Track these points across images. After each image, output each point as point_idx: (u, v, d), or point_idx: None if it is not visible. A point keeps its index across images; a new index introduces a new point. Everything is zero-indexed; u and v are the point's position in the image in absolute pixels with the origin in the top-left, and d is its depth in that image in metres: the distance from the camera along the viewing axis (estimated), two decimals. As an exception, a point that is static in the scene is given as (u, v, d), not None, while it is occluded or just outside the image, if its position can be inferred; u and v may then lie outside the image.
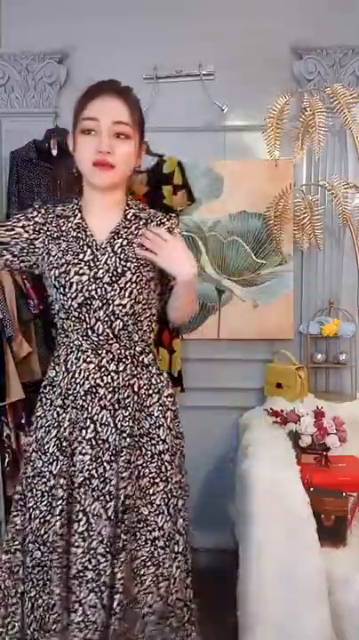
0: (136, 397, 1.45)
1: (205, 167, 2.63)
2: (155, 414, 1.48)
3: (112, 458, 1.42)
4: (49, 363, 1.55)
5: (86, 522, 1.40)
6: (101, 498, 1.41)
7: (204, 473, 2.70)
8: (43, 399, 1.51)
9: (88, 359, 1.44)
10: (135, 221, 1.50)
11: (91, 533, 1.40)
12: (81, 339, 1.44)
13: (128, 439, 1.42)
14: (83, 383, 1.43)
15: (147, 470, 1.46)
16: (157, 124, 2.30)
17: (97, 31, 2.61)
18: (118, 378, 1.44)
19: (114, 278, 1.42)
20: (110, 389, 1.44)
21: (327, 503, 1.78)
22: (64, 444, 1.42)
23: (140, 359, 1.48)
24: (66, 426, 1.43)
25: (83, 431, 1.42)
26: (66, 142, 1.51)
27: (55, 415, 1.46)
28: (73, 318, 1.43)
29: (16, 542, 1.50)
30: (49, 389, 1.50)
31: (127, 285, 1.42)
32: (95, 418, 1.43)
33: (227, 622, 1.90)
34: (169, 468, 1.48)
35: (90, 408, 1.43)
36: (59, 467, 1.42)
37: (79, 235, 1.47)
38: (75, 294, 1.41)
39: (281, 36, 2.57)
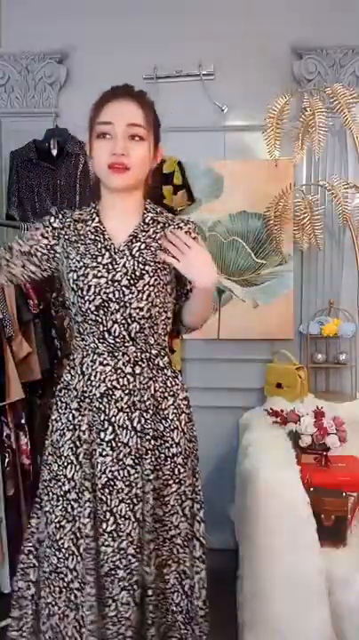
0: (152, 400, 1.46)
1: (205, 167, 2.63)
2: (170, 417, 1.48)
3: (136, 461, 1.42)
4: (49, 363, 1.54)
5: (114, 522, 1.41)
6: (128, 501, 1.41)
7: (204, 473, 2.65)
8: (59, 402, 1.51)
9: (104, 362, 1.44)
10: (153, 225, 1.50)
11: (121, 534, 1.41)
12: (97, 341, 1.45)
13: (152, 441, 1.43)
14: (99, 385, 1.43)
15: (160, 472, 1.46)
16: (157, 123, 2.31)
17: (97, 31, 2.61)
18: (134, 380, 1.44)
19: (132, 281, 1.42)
20: (126, 392, 1.44)
21: (327, 503, 1.78)
22: (84, 446, 1.42)
23: (156, 362, 1.48)
24: (84, 429, 1.43)
25: (102, 433, 1.42)
26: (66, 142, 1.51)
27: (71, 418, 1.46)
28: (90, 321, 1.44)
29: (29, 544, 1.51)
30: (64, 392, 1.50)
31: (145, 288, 1.42)
32: (113, 420, 1.43)
33: (227, 622, 1.90)
34: (182, 470, 1.48)
35: (107, 410, 1.43)
36: (74, 470, 1.42)
37: (97, 238, 1.47)
38: (92, 297, 1.41)
39: (281, 36, 2.58)
